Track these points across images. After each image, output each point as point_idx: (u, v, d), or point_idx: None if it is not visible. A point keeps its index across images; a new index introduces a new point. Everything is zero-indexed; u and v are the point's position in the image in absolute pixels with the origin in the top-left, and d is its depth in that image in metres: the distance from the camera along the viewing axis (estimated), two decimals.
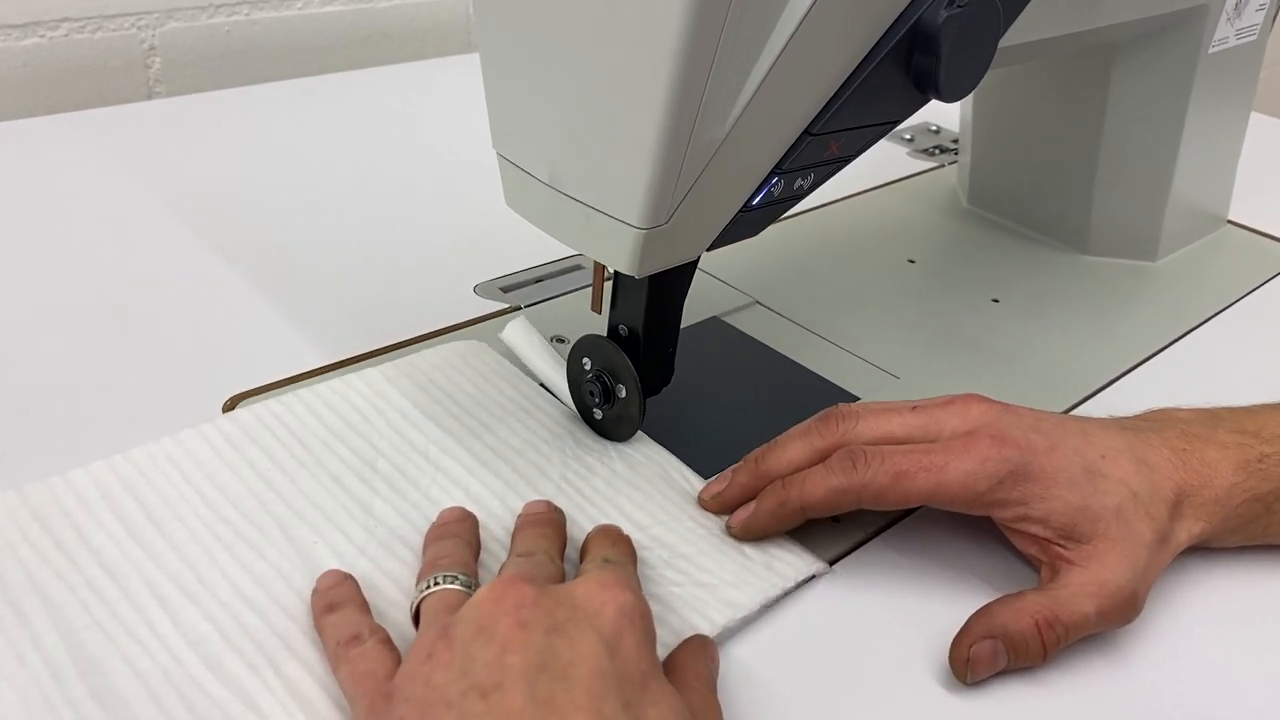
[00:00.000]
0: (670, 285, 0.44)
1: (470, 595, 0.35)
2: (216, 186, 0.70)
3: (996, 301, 0.62)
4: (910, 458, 0.41)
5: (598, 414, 0.47)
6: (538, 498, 0.43)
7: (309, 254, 0.63)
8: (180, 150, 0.75)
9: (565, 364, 0.48)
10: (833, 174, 0.43)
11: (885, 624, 0.41)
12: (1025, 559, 0.42)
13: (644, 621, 0.34)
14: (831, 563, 0.43)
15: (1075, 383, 0.55)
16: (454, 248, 0.64)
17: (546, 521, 0.41)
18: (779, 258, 0.64)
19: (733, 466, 0.44)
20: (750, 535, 0.42)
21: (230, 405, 0.48)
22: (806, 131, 0.40)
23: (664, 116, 0.35)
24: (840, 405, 0.44)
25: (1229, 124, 0.67)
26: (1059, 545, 0.40)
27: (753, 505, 0.42)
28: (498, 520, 0.42)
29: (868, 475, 0.40)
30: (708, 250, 0.41)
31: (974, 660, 0.38)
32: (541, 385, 0.50)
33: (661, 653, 0.36)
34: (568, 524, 0.42)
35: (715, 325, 0.57)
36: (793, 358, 0.55)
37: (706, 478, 0.45)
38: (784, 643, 0.39)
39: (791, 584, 0.41)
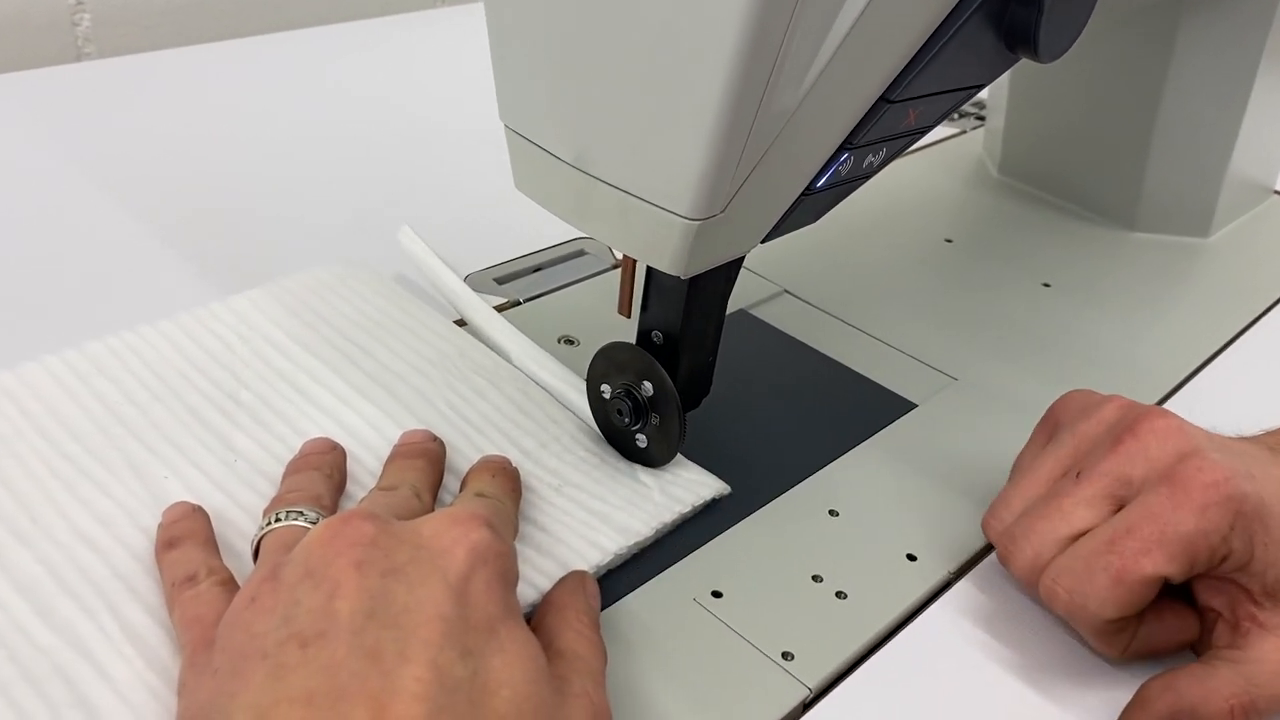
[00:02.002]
0: (714, 284, 0.37)
1: None
2: (154, 159, 0.62)
3: (1048, 286, 0.56)
4: (1106, 553, 0.32)
5: (640, 440, 0.40)
6: (418, 426, 0.40)
7: (265, 238, 0.55)
8: (113, 118, 0.67)
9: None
10: (904, 149, 0.38)
11: (963, 686, 0.35)
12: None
13: (499, 561, 0.30)
14: (911, 616, 0.37)
15: (1151, 380, 0.50)
16: (435, 232, 0.57)
17: (419, 453, 0.38)
18: (805, 239, 0.56)
19: None
20: None
21: None
22: (884, 98, 0.34)
23: (730, 83, 0.28)
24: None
25: None
26: (1255, 604, 0.33)
27: None
28: (373, 452, 0.39)
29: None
30: (762, 242, 0.35)
31: None
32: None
33: (546, 585, 0.34)
34: (452, 454, 0.39)
35: (743, 319, 0.51)
36: (832, 355, 0.49)
37: (733, 488, 0.40)
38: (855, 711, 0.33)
39: (689, 508, 0.39)
